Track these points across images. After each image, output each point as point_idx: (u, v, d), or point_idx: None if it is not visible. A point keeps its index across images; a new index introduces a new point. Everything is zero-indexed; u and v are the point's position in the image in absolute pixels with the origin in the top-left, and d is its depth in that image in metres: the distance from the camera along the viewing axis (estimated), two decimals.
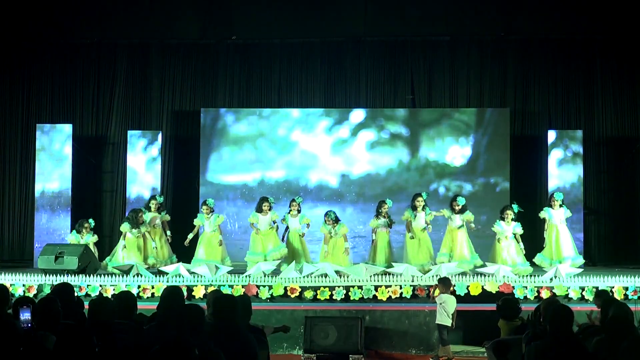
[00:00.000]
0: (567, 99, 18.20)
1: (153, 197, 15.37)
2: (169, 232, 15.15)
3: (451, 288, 12.39)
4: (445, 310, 12.12)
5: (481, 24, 18.15)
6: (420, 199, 14.53)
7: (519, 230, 14.38)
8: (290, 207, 14.91)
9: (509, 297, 11.20)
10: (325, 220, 14.51)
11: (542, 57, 18.19)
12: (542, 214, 14.79)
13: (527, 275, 13.82)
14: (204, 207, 14.65)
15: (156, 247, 14.96)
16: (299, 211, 14.88)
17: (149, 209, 15.09)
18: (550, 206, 14.77)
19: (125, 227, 14.73)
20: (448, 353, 12.20)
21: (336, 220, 14.51)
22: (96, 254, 15.06)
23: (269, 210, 14.80)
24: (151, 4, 18.04)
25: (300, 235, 14.79)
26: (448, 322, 12.15)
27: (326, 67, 18.43)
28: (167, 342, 5.27)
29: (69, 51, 18.37)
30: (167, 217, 15.30)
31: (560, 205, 14.73)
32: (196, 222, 14.81)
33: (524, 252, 14.52)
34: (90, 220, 15.34)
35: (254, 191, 17.04)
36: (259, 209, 14.77)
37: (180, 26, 18.36)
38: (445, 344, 12.28)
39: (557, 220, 14.68)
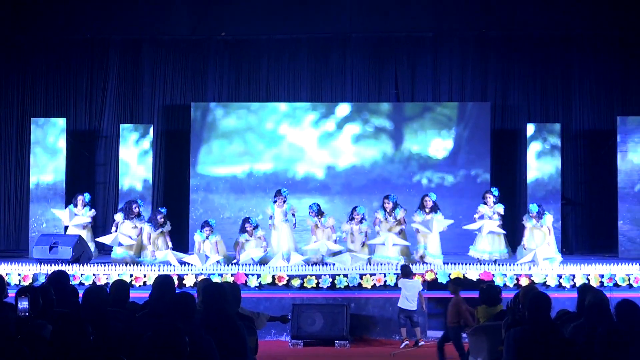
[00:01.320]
0: (546, 93, 18.25)
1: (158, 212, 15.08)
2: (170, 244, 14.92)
3: (412, 275, 12.47)
4: (410, 293, 12.19)
5: (463, 21, 18.18)
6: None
7: (501, 210, 14.34)
8: (276, 198, 14.81)
9: (492, 284, 11.26)
10: (309, 213, 14.51)
11: (521, 53, 18.23)
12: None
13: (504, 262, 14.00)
14: (207, 228, 14.39)
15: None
16: (284, 202, 14.80)
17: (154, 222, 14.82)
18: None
19: (119, 216, 14.69)
20: (419, 336, 12.32)
21: (319, 213, 14.48)
22: (90, 238, 15.13)
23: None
24: (143, 1, 17.98)
25: (287, 224, 14.71)
26: (408, 306, 12.22)
27: (313, 62, 18.43)
28: (159, 330, 5.27)
29: (62, 47, 18.30)
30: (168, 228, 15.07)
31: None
32: (196, 238, 14.61)
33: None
34: (85, 194, 15.31)
35: (243, 183, 17.04)
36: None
37: (171, 23, 18.32)
38: (416, 327, 12.38)
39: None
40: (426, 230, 14.16)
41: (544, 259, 13.65)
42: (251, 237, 14.40)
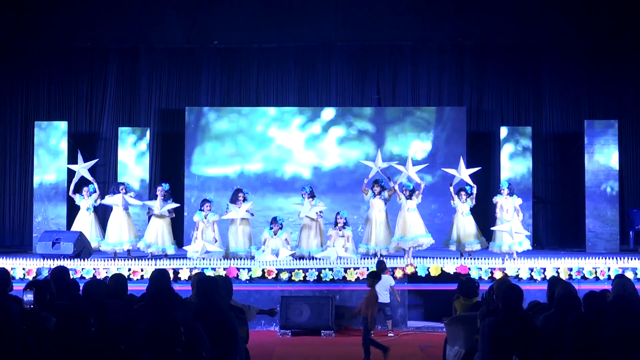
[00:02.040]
0: (518, 98, 18.32)
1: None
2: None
3: (385, 271, 12.43)
4: (382, 288, 12.17)
5: (440, 31, 18.19)
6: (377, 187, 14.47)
7: (472, 201, 14.35)
8: (271, 225, 14.44)
9: (470, 278, 11.28)
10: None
11: (495, 61, 18.30)
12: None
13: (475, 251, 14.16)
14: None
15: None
16: (280, 228, 14.38)
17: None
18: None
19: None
20: (390, 327, 12.42)
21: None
22: (95, 224, 15.10)
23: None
24: (140, 12, 17.93)
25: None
26: (383, 300, 12.22)
27: (300, 69, 18.43)
28: (158, 320, 5.26)
29: (65, 54, 18.25)
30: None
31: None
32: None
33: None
34: (90, 186, 15.25)
35: (235, 183, 17.01)
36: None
37: (166, 32, 18.27)
38: (388, 319, 12.43)
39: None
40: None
41: (516, 232, 13.87)
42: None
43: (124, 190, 14.72)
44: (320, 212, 14.55)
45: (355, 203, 16.26)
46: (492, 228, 14.18)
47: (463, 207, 14.25)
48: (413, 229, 14.17)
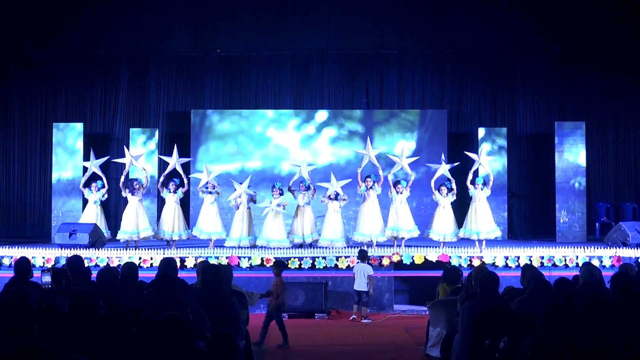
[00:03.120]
0: (494, 101, 18.33)
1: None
2: None
3: (366, 259, 12.42)
4: (361, 276, 12.17)
5: (423, 40, 18.20)
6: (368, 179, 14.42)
7: (453, 196, 14.34)
8: (272, 192, 14.56)
9: (455, 266, 11.28)
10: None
11: (473, 68, 18.31)
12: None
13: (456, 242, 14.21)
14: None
15: None
16: (280, 194, 14.44)
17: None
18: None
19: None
20: (364, 314, 12.26)
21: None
22: (101, 216, 15.06)
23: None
24: (149, 24, 17.89)
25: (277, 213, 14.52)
26: (362, 288, 12.20)
27: (295, 75, 18.42)
28: (171, 306, 5.25)
29: (81, 62, 18.21)
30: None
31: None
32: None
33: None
34: (98, 181, 15.19)
35: (236, 178, 16.93)
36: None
37: (173, 41, 18.26)
38: (364, 305, 12.34)
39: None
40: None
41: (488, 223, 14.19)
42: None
43: (137, 186, 14.67)
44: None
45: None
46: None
47: (444, 201, 14.23)
48: (404, 221, 14.19)
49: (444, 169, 14.47)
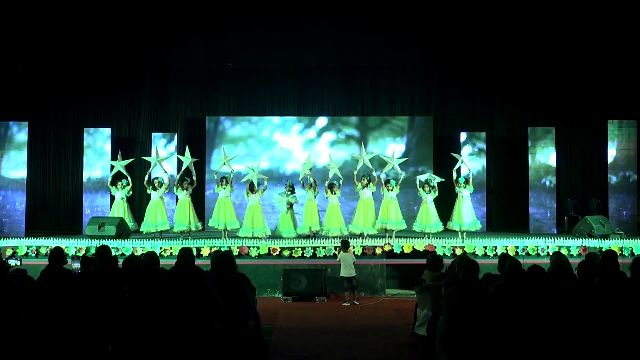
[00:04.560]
0: (474, 109, 18.33)
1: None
2: None
3: (349, 248, 12.42)
4: (346, 264, 12.16)
5: (412, 54, 18.17)
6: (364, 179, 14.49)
7: (435, 192, 14.42)
8: (285, 188, 14.85)
9: (437, 255, 11.29)
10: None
11: (456, 79, 18.28)
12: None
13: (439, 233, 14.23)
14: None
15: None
16: (292, 191, 14.76)
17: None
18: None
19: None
20: (355, 297, 12.25)
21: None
22: (127, 210, 15.15)
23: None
24: (169, 40, 17.92)
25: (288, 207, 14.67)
26: (350, 274, 12.18)
27: (298, 86, 18.40)
28: (188, 291, 5.24)
29: (108, 73, 18.17)
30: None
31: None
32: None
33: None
34: (123, 180, 15.24)
35: (243, 180, 16.96)
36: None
37: (190, 55, 18.25)
38: (354, 289, 12.33)
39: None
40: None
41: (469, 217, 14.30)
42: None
43: (158, 184, 14.72)
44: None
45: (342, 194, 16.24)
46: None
47: (427, 197, 14.32)
48: (393, 215, 14.22)
49: (429, 175, 14.86)
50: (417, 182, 14.56)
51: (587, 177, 18.11)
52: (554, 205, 16.74)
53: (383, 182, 14.38)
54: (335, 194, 14.42)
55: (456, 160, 15.06)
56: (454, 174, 14.63)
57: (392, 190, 14.26)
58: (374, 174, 14.52)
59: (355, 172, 14.62)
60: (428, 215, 14.26)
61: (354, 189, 14.95)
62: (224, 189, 14.53)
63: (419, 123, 18.05)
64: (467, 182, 14.48)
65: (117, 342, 4.74)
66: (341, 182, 14.62)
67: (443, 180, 14.79)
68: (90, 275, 6.85)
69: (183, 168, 15.05)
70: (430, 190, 14.29)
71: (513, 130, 18.12)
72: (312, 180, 14.59)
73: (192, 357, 4.88)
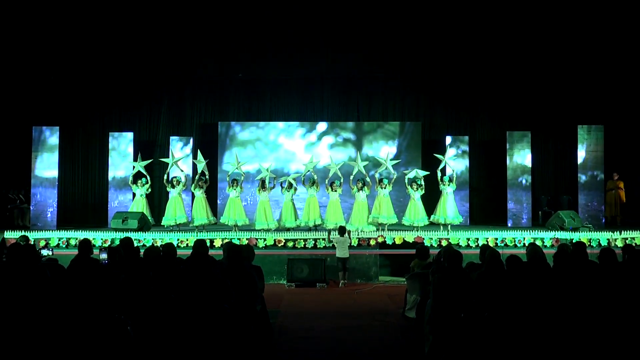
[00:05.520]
0: (459, 115, 18.32)
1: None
2: None
3: (345, 233, 12.54)
4: (341, 247, 12.23)
5: (403, 66, 18.16)
6: (358, 183, 14.56)
7: (421, 191, 14.45)
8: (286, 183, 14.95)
9: (425, 245, 11.30)
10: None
11: (443, 88, 18.28)
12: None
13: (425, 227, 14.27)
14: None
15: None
16: (290, 186, 14.86)
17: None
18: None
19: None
20: (345, 278, 12.42)
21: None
22: (146, 206, 15.14)
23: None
24: (185, 54, 17.90)
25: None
26: (344, 255, 12.25)
27: (300, 94, 18.40)
28: (203, 278, 5.25)
29: (130, 84, 18.20)
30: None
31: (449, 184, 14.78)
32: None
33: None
34: (143, 179, 15.28)
35: (253, 176, 16.94)
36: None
37: (204, 67, 18.24)
38: (345, 271, 12.45)
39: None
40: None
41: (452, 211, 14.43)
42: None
43: (176, 183, 14.80)
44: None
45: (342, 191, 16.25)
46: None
47: (415, 194, 14.36)
48: (385, 211, 14.27)
49: (416, 171, 14.79)
50: (406, 181, 14.61)
51: (559, 176, 18.12)
52: (529, 201, 16.74)
53: (377, 181, 14.49)
54: (335, 191, 14.52)
55: (440, 161, 15.14)
56: (439, 174, 14.76)
57: (385, 188, 14.38)
58: (368, 179, 14.66)
59: (351, 178, 14.72)
60: (416, 211, 14.39)
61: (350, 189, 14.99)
62: (235, 190, 14.59)
63: (409, 128, 18.04)
64: (451, 180, 14.63)
65: (136, 323, 4.74)
66: (341, 180, 14.71)
67: (428, 173, 15.00)
68: (115, 264, 6.85)
69: (199, 171, 15.08)
70: (417, 188, 14.38)
71: (493, 134, 18.12)
72: (315, 177, 14.69)
73: (206, 336, 4.89)
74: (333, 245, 12.81)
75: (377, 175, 14.67)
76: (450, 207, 14.58)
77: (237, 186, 14.61)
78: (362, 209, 14.45)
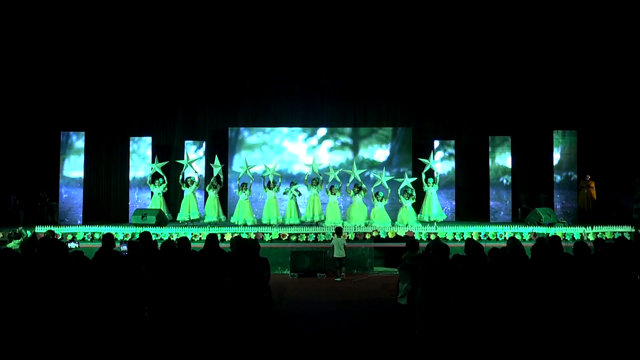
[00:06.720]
0: (446, 121, 18.31)
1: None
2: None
3: (342, 234, 12.44)
4: (338, 247, 12.18)
5: (396, 76, 18.16)
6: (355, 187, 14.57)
7: (412, 199, 14.42)
8: (290, 185, 14.97)
9: (415, 239, 11.30)
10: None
11: (431, 97, 18.27)
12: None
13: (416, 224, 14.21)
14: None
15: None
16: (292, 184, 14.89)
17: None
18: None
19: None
20: (342, 272, 12.30)
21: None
22: (163, 203, 15.08)
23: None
24: (197, 67, 17.90)
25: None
26: (341, 255, 12.19)
27: (303, 102, 18.38)
28: (214, 269, 5.25)
29: (149, 94, 18.21)
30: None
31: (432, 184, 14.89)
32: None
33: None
34: (160, 179, 15.28)
35: (259, 177, 16.93)
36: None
37: (215, 78, 18.22)
38: (342, 267, 12.37)
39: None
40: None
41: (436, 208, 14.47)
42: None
43: (190, 182, 14.80)
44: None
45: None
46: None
47: (406, 202, 14.37)
48: (381, 221, 14.23)
49: (406, 181, 14.71)
50: (399, 192, 14.61)
51: (537, 176, 18.10)
52: (509, 199, 16.73)
53: (373, 194, 14.43)
54: (335, 194, 14.50)
55: (424, 165, 15.25)
56: (423, 176, 14.93)
57: (381, 201, 14.34)
58: (364, 185, 14.59)
59: (347, 185, 14.72)
60: (408, 217, 14.35)
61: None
62: (244, 192, 14.57)
63: (400, 133, 18.03)
64: (434, 181, 14.71)
65: (153, 309, 4.75)
66: (340, 184, 14.66)
67: (415, 178, 15.10)
68: (135, 256, 6.84)
69: (214, 174, 15.09)
70: (409, 197, 14.38)
71: (477, 138, 18.11)
72: (321, 177, 14.88)
73: (216, 321, 4.89)
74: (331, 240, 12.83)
75: (373, 191, 14.56)
76: (434, 205, 14.71)
77: (246, 189, 14.60)
78: (360, 210, 14.42)
